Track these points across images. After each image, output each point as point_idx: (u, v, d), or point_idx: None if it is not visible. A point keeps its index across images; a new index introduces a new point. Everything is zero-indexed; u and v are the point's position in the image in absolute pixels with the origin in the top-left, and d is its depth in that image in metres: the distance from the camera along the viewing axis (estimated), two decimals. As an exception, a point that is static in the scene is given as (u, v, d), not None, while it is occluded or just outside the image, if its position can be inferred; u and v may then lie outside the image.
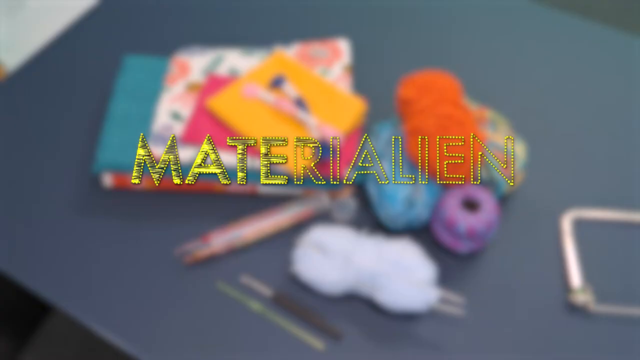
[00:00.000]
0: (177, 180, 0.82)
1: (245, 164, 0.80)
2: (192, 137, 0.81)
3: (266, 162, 0.80)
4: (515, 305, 0.75)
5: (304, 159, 0.78)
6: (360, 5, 1.15)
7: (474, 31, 1.10)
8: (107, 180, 0.83)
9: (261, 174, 0.81)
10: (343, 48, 0.97)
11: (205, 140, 0.81)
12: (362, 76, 1.01)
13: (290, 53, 0.95)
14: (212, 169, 0.80)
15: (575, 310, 0.75)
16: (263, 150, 0.79)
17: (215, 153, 0.80)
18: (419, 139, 0.74)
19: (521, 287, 0.77)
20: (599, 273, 0.78)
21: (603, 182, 0.88)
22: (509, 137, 0.81)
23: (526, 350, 0.72)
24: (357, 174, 0.83)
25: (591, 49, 1.08)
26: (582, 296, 0.74)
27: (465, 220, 0.74)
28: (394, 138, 0.81)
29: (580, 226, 0.83)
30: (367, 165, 0.82)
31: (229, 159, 0.80)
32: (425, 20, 1.12)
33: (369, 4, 1.15)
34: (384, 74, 1.01)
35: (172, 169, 0.81)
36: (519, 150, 0.80)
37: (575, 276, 0.77)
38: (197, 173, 0.81)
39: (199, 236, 0.80)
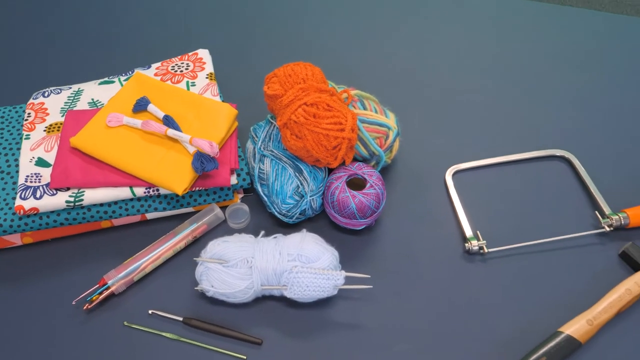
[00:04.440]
0: (55, 232, 0.77)
1: (128, 194, 0.77)
2: (61, 181, 0.76)
3: (149, 188, 0.78)
4: (418, 264, 0.79)
5: (186, 175, 0.76)
6: (212, 14, 1.14)
7: (327, 17, 1.13)
8: (-20, 246, 0.77)
9: (147, 201, 0.79)
10: (204, 58, 0.96)
11: (78, 180, 0.77)
12: (230, 82, 1.00)
13: (151, 74, 0.92)
14: (92, 208, 0.77)
15: (473, 255, 0.80)
16: (143, 176, 0.77)
17: (92, 191, 0.77)
18: (294, 131, 0.75)
19: (421, 246, 0.80)
20: (487, 217, 0.84)
21: (474, 136, 0.94)
22: (378, 111, 0.84)
23: (435, 301, 0.75)
24: (243, 178, 0.82)
25: (444, 13, 1.15)
26: (475, 242, 0.79)
27: (355, 199, 0.76)
28: (271, 135, 0.82)
29: (461, 178, 0.88)
30: (250, 167, 0.82)
31: (108, 193, 0.77)
32: (279, 15, 1.14)
33: (219, 13, 1.15)
34: (251, 75, 1.02)
35: (48, 218, 0.76)
36: (391, 121, 0.84)
37: (466, 225, 0.82)
38: (75, 216, 0.77)
39: (95, 279, 0.77)
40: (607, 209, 0.83)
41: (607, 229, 0.81)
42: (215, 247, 0.72)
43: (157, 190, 0.78)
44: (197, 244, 0.80)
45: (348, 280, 0.75)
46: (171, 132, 0.79)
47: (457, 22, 1.13)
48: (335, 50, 1.07)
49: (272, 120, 0.83)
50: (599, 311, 0.72)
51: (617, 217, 0.81)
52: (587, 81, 1.02)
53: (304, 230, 0.75)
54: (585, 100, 0.99)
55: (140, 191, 0.78)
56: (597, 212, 0.83)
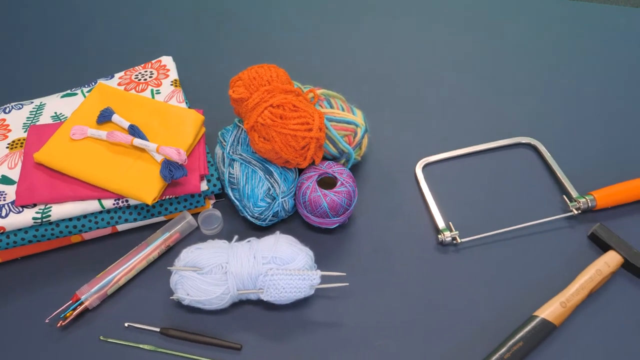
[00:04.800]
0: (24, 249, 0.76)
1: (96, 207, 0.76)
2: (27, 198, 0.75)
3: (118, 200, 0.77)
4: (393, 259, 0.79)
5: (155, 184, 0.76)
6: (175, 20, 1.13)
7: (290, 18, 1.13)
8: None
9: (117, 212, 0.78)
10: (168, 65, 0.95)
11: (44, 196, 0.75)
12: (195, 87, 1.00)
13: (114, 84, 0.91)
14: (60, 223, 0.76)
15: (446, 246, 0.80)
16: (111, 188, 0.76)
17: (59, 206, 0.75)
18: (261, 133, 0.75)
19: (395, 240, 0.81)
20: (458, 207, 0.84)
21: (442, 129, 0.95)
22: (345, 109, 0.84)
23: (412, 294, 0.75)
24: (214, 184, 0.82)
25: (404, 8, 1.16)
26: (448, 233, 0.80)
27: (326, 198, 0.76)
28: (240, 139, 0.82)
29: (431, 171, 0.89)
30: (220, 172, 0.82)
31: (76, 207, 0.76)
32: (242, 18, 1.13)
33: (182, 19, 1.14)
34: (216, 79, 1.01)
35: (16, 236, 0.75)
36: (358, 118, 0.84)
37: (439, 217, 0.82)
38: (44, 232, 0.75)
39: (68, 295, 0.75)
40: (574, 193, 0.84)
41: (575, 212, 0.82)
42: (189, 254, 0.72)
43: (127, 201, 0.77)
44: (170, 253, 0.80)
45: (324, 279, 0.76)
46: (137, 141, 0.78)
47: (418, 16, 1.14)
48: (300, 51, 1.07)
49: (239, 124, 0.83)
50: (572, 293, 0.73)
51: (584, 199, 0.82)
52: (549, 68, 1.04)
53: (278, 232, 0.75)
54: (548, 87, 1.01)
55: (109, 203, 0.77)
56: (564, 196, 0.85)
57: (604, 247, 0.79)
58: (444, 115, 0.97)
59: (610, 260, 0.77)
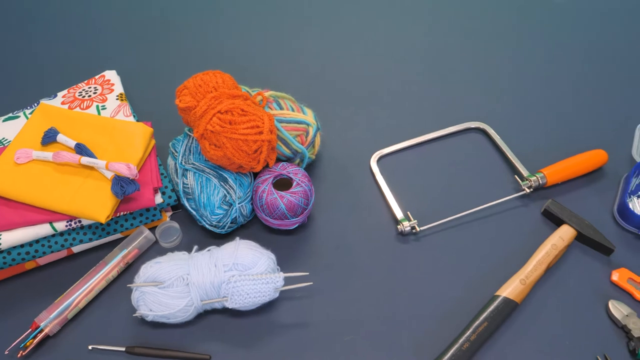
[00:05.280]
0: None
1: (48, 230, 0.74)
2: (-26, 227, 0.72)
3: (70, 221, 0.75)
4: (355, 253, 0.79)
5: (107, 202, 0.74)
6: (116, 33, 1.11)
7: (233, 22, 1.13)
8: None
9: (71, 234, 0.76)
10: (112, 79, 0.93)
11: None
12: (143, 100, 0.98)
13: (57, 103, 0.89)
14: (12, 251, 0.73)
15: (407, 236, 0.81)
16: (62, 209, 0.74)
17: (9, 233, 0.73)
18: (212, 141, 0.74)
19: (355, 235, 0.81)
20: (415, 196, 0.85)
21: (394, 121, 0.96)
22: (295, 109, 0.84)
23: (375, 287, 0.76)
24: (169, 195, 0.81)
25: (345, 4, 1.16)
26: (407, 223, 0.81)
27: (283, 200, 0.76)
28: (191, 148, 0.81)
29: (386, 163, 0.90)
30: (174, 183, 0.81)
31: (27, 232, 0.73)
32: (185, 26, 1.12)
33: (123, 31, 1.12)
34: (163, 90, 1.00)
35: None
36: (309, 117, 0.84)
37: (397, 208, 0.83)
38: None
39: (27, 323, 0.73)
40: (525, 172, 0.86)
41: (528, 190, 0.84)
42: (148, 270, 0.71)
43: (80, 221, 0.75)
44: (130, 269, 0.78)
45: (288, 281, 0.75)
46: (85, 159, 0.76)
47: (362, 12, 1.15)
48: (246, 55, 1.06)
49: (189, 133, 0.82)
50: (530, 270, 0.75)
51: (535, 177, 0.84)
52: (493, 54, 1.06)
53: (237, 238, 0.75)
54: (493, 72, 1.03)
55: (61, 225, 0.75)
56: (516, 176, 0.87)
57: (557, 222, 0.81)
58: (395, 107, 0.98)
59: (564, 234, 0.79)
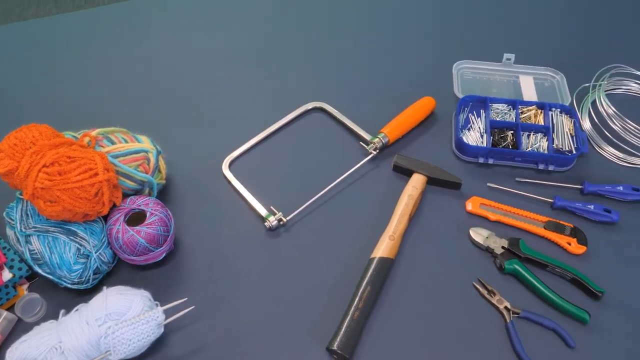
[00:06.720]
0: None
1: None
2: None
3: None
4: (229, 262, 0.79)
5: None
6: None
7: (40, 70, 1.06)
8: None
9: None
10: None
11: None
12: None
13: None
14: None
15: (276, 230, 0.82)
16: None
17: None
18: (45, 198, 0.69)
19: (226, 244, 0.80)
20: (275, 189, 0.86)
21: (236, 124, 0.96)
22: (128, 140, 0.81)
23: (257, 288, 0.76)
24: (18, 268, 0.74)
25: (146, 19, 1.14)
26: (273, 218, 0.81)
27: (140, 234, 0.73)
28: (28, 212, 0.75)
29: (239, 166, 0.90)
30: (20, 253, 0.74)
31: None
32: None
33: None
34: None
35: None
36: (145, 144, 0.81)
37: (259, 206, 0.83)
38: None
39: None
40: (368, 137, 0.90)
41: (374, 152, 0.88)
42: (15, 352, 0.65)
43: None
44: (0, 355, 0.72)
45: (169, 312, 0.73)
46: None
47: (168, 25, 1.13)
48: (62, 98, 1.00)
49: (21, 197, 0.76)
50: (395, 224, 0.79)
51: (377, 139, 0.89)
52: (311, 36, 1.09)
53: (105, 287, 0.71)
54: (316, 53, 1.06)
55: None
56: (361, 143, 0.91)
57: (408, 173, 0.86)
58: (235, 109, 0.97)
59: (416, 183, 0.84)
